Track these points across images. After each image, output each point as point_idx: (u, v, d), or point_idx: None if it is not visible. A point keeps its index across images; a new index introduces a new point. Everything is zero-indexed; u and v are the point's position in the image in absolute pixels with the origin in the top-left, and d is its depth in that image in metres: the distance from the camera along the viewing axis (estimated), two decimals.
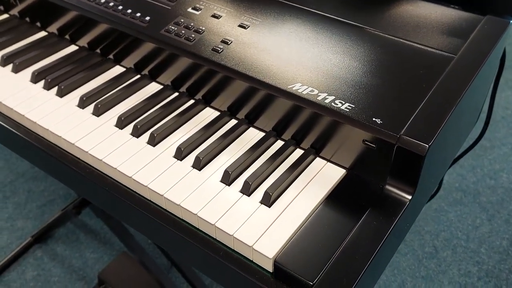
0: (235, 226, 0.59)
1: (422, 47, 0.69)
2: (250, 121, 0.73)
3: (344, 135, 0.63)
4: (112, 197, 0.67)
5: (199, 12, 0.78)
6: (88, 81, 0.81)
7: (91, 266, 1.51)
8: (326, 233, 0.58)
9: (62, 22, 0.88)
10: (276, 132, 0.71)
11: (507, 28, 0.72)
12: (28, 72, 0.82)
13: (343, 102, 0.63)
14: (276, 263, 0.55)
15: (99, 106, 0.74)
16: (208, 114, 0.75)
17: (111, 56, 0.85)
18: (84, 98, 0.75)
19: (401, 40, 0.71)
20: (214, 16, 0.77)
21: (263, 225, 0.59)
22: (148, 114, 0.73)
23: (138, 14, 0.79)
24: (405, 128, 0.59)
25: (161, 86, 0.80)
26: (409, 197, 0.60)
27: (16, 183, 1.75)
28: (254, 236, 0.58)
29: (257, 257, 0.57)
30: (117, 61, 0.84)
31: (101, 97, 0.77)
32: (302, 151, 0.69)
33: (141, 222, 0.67)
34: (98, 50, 0.86)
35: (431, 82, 0.64)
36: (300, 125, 0.67)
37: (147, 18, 0.78)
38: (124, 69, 0.84)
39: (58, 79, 0.79)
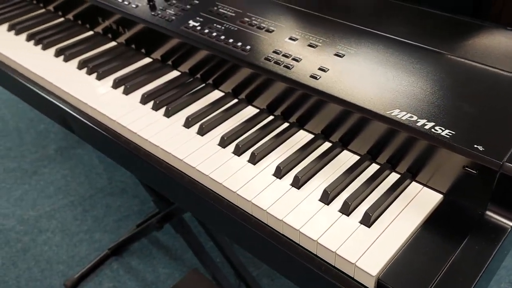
0: (336, 244, 0.61)
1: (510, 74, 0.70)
2: (344, 144, 0.76)
3: (444, 161, 0.65)
4: (213, 209, 0.72)
5: (296, 42, 0.83)
6: (192, 103, 0.87)
7: (163, 280, 1.57)
8: (427, 255, 0.59)
9: (165, 49, 0.96)
10: (370, 155, 0.73)
11: None
12: (137, 94, 0.89)
13: (443, 129, 0.65)
14: (379, 280, 0.57)
15: (203, 126, 0.80)
16: (303, 137, 0.79)
17: (210, 81, 0.91)
18: (190, 119, 0.81)
19: (490, 67, 0.72)
20: (310, 45, 0.82)
21: (364, 244, 0.61)
22: (248, 135, 0.78)
23: (239, 44, 0.85)
24: (508, 155, 0.60)
25: (258, 110, 0.85)
26: (511, 223, 0.61)
27: (95, 198, 1.86)
28: (356, 254, 0.60)
29: (359, 274, 0.59)
30: (216, 86, 0.91)
31: (204, 118, 0.83)
32: (397, 175, 0.71)
33: (243, 237, 0.70)
34: (198, 75, 0.93)
35: None
36: (397, 150, 0.69)
37: (248, 47, 0.84)
38: (223, 93, 0.89)
39: (165, 101, 0.86)
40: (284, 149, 0.77)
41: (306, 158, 0.75)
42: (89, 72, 0.96)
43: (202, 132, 0.80)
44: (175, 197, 0.82)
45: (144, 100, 0.87)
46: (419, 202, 0.67)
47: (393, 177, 0.71)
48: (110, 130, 0.85)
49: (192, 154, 0.76)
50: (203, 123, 0.80)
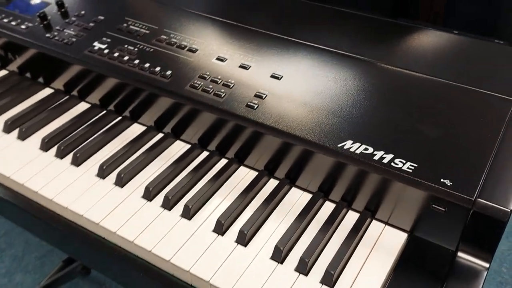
0: None
1: (477, 89, 0.65)
2: (291, 180, 0.68)
3: (407, 198, 0.58)
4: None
5: (225, 62, 0.73)
6: (106, 143, 0.74)
7: None
8: None
9: (67, 77, 0.82)
10: (323, 192, 0.65)
11: None
12: (36, 138, 0.75)
13: (404, 161, 0.58)
14: None
15: (122, 175, 0.68)
16: (245, 174, 0.70)
17: (127, 114, 0.79)
18: (105, 167, 0.69)
19: (451, 83, 0.66)
20: (242, 66, 0.72)
21: None
22: (180, 181, 0.68)
23: (158, 69, 0.73)
24: (479, 190, 0.54)
25: (189, 145, 0.74)
26: (487, 265, 0.55)
27: (12, 234, 1.67)
28: None
29: None
30: (135, 119, 0.78)
31: (122, 163, 0.71)
32: (356, 214, 0.64)
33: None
34: (112, 107, 0.80)
35: (496, 131, 0.59)
36: (353, 186, 0.62)
37: (168, 72, 0.72)
38: (145, 127, 0.77)
39: (72, 145, 0.73)
40: (227, 191, 0.67)
41: (252, 202, 0.66)
42: None
43: (121, 183, 0.68)
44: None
45: (45, 145, 0.73)
46: (384, 245, 0.60)
47: (351, 216, 0.63)
48: (8, 188, 0.71)
49: (113, 213, 0.64)
50: (121, 172, 0.68)
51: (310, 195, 0.66)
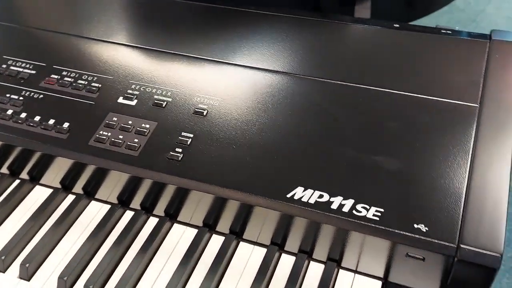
0: None
1: (435, 98, 0.56)
2: (238, 234, 0.57)
3: (378, 248, 0.49)
4: None
5: (135, 101, 0.60)
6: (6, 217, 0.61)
7: None
8: None
9: None
10: (278, 246, 0.55)
11: None
12: None
13: (367, 207, 0.48)
14: None
15: (27, 266, 0.54)
16: (181, 232, 0.58)
17: (25, 176, 0.65)
18: (3, 258, 0.55)
19: (401, 93, 0.57)
20: (156, 104, 0.59)
21: None
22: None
23: (52, 121, 0.59)
24: (460, 233, 0.46)
25: (109, 206, 0.61)
26: None
27: None
28: None
29: None
30: (36, 180, 0.64)
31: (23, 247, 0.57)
32: (319, 264, 0.54)
33: None
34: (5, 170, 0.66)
35: (465, 149, 0.51)
36: (312, 239, 0.52)
37: (66, 125, 0.59)
38: (51, 189, 0.64)
39: None
40: (164, 259, 0.56)
41: (195, 271, 0.55)
42: None
43: (27, 275, 0.54)
44: None
45: None
46: None
47: (316, 269, 0.54)
48: None
49: None
50: (25, 261, 0.55)
51: (264, 250, 0.56)
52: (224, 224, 0.57)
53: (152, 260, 0.56)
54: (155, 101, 0.60)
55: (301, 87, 0.59)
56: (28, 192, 0.64)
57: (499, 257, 0.44)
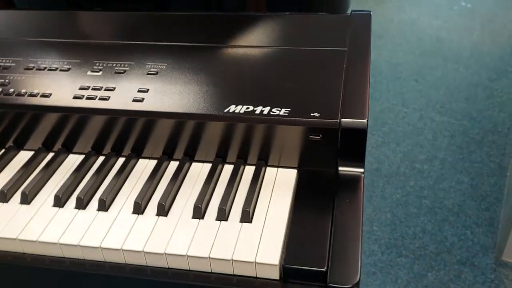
0: (229, 251, 0.62)
1: (318, 48, 0.83)
2: (191, 157, 0.77)
3: (289, 138, 0.72)
4: None
5: (100, 73, 0.81)
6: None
7: None
8: (312, 226, 0.65)
9: None
10: (221, 158, 0.76)
11: (370, 18, 0.90)
12: None
13: (279, 109, 0.72)
14: (284, 266, 0.60)
15: (26, 193, 0.71)
16: (145, 165, 0.78)
17: (11, 144, 0.82)
18: (5, 191, 0.72)
19: (296, 48, 0.83)
20: (117, 72, 0.80)
21: (253, 241, 0.64)
22: (87, 183, 0.73)
23: (36, 91, 0.78)
24: (340, 113, 0.70)
25: (82, 156, 0.80)
26: (362, 169, 0.71)
27: None
28: (252, 252, 0.62)
29: (262, 270, 0.62)
30: (20, 146, 0.82)
31: (23, 183, 0.74)
32: (252, 167, 0.76)
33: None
34: None
35: (339, 70, 0.77)
36: (245, 143, 0.74)
37: (48, 91, 0.78)
38: (32, 151, 0.81)
39: None
40: (133, 182, 0.75)
41: (159, 185, 0.74)
42: None
43: (27, 200, 0.71)
44: None
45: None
46: (281, 184, 0.73)
47: (249, 170, 0.75)
48: None
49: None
50: (25, 190, 0.71)
51: (210, 164, 0.76)
52: (180, 150, 0.77)
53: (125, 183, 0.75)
54: (116, 71, 0.81)
55: (225, 53, 0.84)
56: (14, 157, 0.81)
57: (365, 122, 0.68)
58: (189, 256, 0.63)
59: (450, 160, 2.03)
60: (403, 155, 2.06)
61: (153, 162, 0.78)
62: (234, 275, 0.63)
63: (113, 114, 0.75)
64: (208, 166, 0.76)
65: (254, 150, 0.75)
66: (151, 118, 0.74)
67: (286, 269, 0.61)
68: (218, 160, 0.76)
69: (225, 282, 0.62)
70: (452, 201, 1.83)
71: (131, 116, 0.75)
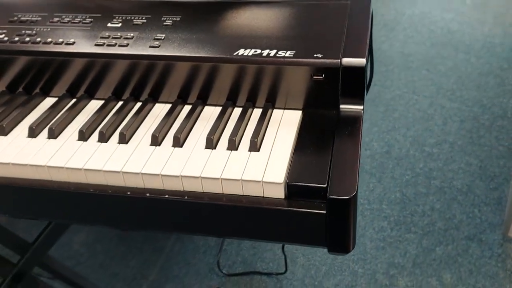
0: (239, 173, 0.69)
1: (322, 2, 0.89)
2: (203, 101, 0.84)
3: (294, 78, 0.78)
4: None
5: (120, 24, 0.88)
6: (26, 115, 0.85)
7: None
8: (315, 153, 0.72)
9: None
10: (231, 101, 0.83)
11: None
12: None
13: (285, 52, 0.78)
14: (289, 183, 0.67)
15: (53, 128, 0.79)
16: (161, 108, 0.85)
17: (37, 91, 0.89)
18: (34, 127, 0.79)
19: (302, 2, 0.90)
20: (135, 24, 0.88)
21: (261, 165, 0.70)
22: (108, 120, 0.80)
23: (61, 40, 0.86)
24: (341, 53, 0.76)
25: (103, 101, 0.87)
26: (362, 107, 0.77)
27: None
28: (259, 173, 0.69)
29: (268, 189, 0.68)
30: (46, 93, 0.89)
31: (51, 121, 0.82)
32: (260, 109, 0.82)
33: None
34: (21, 89, 0.90)
35: (342, 20, 0.83)
36: (253, 86, 0.81)
37: (72, 40, 0.86)
38: (56, 98, 0.88)
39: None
40: (150, 122, 0.82)
41: (175, 123, 0.81)
42: None
43: (54, 135, 0.79)
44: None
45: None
46: (286, 122, 0.79)
47: (257, 112, 0.82)
48: None
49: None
50: (52, 126, 0.79)
51: (221, 107, 0.83)
52: (193, 93, 0.84)
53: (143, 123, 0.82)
54: (134, 23, 0.89)
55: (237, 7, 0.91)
56: (40, 103, 0.89)
57: (363, 61, 0.75)
58: (202, 177, 0.69)
59: (459, 144, 2.07)
60: (413, 139, 2.11)
61: (169, 106, 0.85)
62: (243, 195, 0.69)
63: (131, 59, 0.82)
64: (219, 109, 0.83)
65: (261, 93, 0.81)
66: (167, 61, 0.81)
67: (290, 187, 0.67)
68: (229, 103, 0.83)
69: (235, 200, 0.69)
70: (461, 182, 1.88)
71: (148, 60, 0.82)
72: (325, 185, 0.66)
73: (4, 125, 0.80)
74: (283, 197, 0.68)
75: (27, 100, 0.87)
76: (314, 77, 0.77)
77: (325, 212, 0.65)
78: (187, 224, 0.73)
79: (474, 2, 3.27)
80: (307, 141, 0.74)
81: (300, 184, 0.67)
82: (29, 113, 0.86)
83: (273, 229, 0.70)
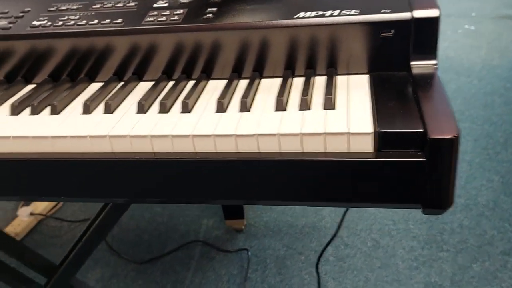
0: (320, 127, 0.62)
1: None
2: (260, 73, 0.78)
3: (360, 38, 0.72)
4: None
5: (166, 4, 0.83)
6: (75, 98, 0.78)
7: None
8: (398, 104, 0.65)
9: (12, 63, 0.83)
10: (290, 70, 0.77)
11: None
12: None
13: (349, 10, 0.73)
14: (380, 132, 0.59)
15: (109, 103, 0.72)
16: (216, 84, 0.78)
17: (82, 76, 0.83)
18: (88, 103, 0.72)
19: None
20: (182, 3, 0.83)
21: (342, 119, 0.63)
22: (166, 93, 0.74)
23: (108, 21, 0.80)
24: (410, 5, 0.71)
25: (152, 82, 0.80)
26: (435, 61, 0.71)
27: None
28: (342, 125, 0.61)
29: (355, 142, 0.61)
30: (92, 79, 0.83)
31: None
32: (323, 77, 0.76)
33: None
34: (65, 76, 0.83)
35: None
36: (314, 50, 0.75)
37: (119, 20, 0.80)
38: (102, 83, 0.82)
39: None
40: (207, 96, 0.75)
41: (235, 94, 0.74)
42: None
43: (110, 110, 0.71)
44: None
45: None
46: (356, 85, 0.73)
47: (320, 79, 0.75)
48: None
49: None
50: (108, 101, 0.72)
51: (280, 79, 0.77)
52: (249, 66, 0.78)
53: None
54: (181, 1, 0.83)
55: None
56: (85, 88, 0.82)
57: (438, 11, 0.69)
58: (280, 134, 0.62)
59: (477, 161, 2.02)
60: None
61: (223, 82, 0.78)
62: (325, 152, 0.62)
63: (185, 31, 0.76)
64: (276, 80, 0.76)
65: (323, 58, 0.75)
66: (222, 31, 0.75)
67: (382, 136, 0.60)
68: (288, 72, 0.77)
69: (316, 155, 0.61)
70: (485, 198, 1.81)
71: (203, 31, 0.76)
72: (422, 130, 0.58)
73: (55, 104, 0.73)
74: (371, 150, 0.61)
75: (75, 84, 0.80)
76: (383, 34, 0.71)
77: (424, 159, 0.58)
78: (266, 191, 0.65)
79: (465, 31, 3.32)
80: (384, 96, 0.68)
81: (392, 131, 0.59)
82: (75, 97, 0.79)
83: (360, 189, 0.62)
